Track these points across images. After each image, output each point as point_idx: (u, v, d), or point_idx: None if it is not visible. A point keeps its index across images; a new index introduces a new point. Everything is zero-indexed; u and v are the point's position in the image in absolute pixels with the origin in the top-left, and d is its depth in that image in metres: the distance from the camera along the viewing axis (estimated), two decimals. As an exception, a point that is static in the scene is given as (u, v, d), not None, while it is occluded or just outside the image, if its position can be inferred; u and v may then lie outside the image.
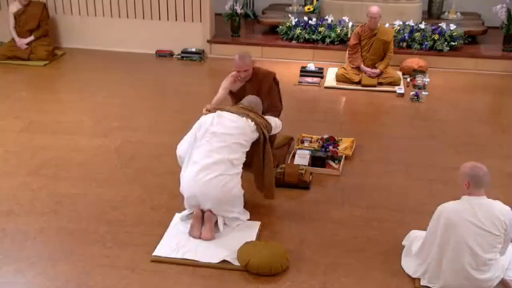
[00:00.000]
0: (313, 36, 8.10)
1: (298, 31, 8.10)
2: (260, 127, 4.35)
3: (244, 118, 4.33)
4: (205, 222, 4.22)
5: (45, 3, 8.20)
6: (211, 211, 4.24)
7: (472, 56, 7.84)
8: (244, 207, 4.43)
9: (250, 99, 4.64)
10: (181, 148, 4.41)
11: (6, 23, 8.05)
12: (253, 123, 4.33)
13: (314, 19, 8.23)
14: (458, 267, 3.60)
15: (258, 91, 4.98)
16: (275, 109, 5.09)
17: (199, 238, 4.18)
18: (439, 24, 8.01)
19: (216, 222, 4.27)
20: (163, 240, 4.18)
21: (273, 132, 4.62)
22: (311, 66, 7.53)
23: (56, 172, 5.14)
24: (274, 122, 4.65)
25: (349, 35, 7.78)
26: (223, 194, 4.18)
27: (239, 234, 4.23)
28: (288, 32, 8.17)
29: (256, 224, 4.38)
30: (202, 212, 4.27)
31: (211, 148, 4.20)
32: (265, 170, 4.42)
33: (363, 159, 5.44)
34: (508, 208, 3.62)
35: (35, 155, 5.43)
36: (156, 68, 7.90)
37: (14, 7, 8.04)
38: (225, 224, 4.30)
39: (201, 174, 4.15)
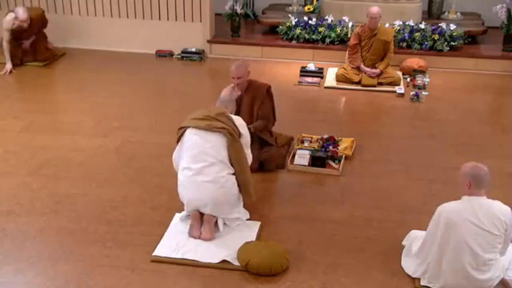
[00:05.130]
0: (313, 36, 8.09)
1: (298, 31, 8.10)
2: (227, 131, 4.20)
3: (217, 134, 4.21)
4: (204, 223, 4.22)
5: (44, 10, 7.99)
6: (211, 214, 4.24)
7: (472, 56, 7.83)
8: (244, 207, 4.43)
9: (221, 99, 4.60)
10: (176, 154, 4.40)
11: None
12: (223, 135, 4.19)
13: (314, 19, 8.23)
14: (458, 267, 3.60)
15: (252, 101, 5.17)
16: (267, 120, 5.20)
17: (199, 238, 4.18)
18: (439, 24, 8.01)
19: (216, 222, 4.27)
20: (163, 240, 4.18)
21: (244, 141, 4.38)
22: (311, 66, 7.53)
23: (56, 172, 5.14)
24: (246, 135, 4.43)
25: (349, 35, 7.78)
26: (221, 196, 4.17)
27: (239, 234, 4.23)
28: (288, 32, 8.17)
29: (256, 224, 4.38)
30: (201, 212, 4.27)
31: (202, 150, 4.16)
32: (237, 169, 4.26)
33: (363, 159, 5.44)
34: (507, 208, 3.62)
35: (35, 155, 5.44)
36: (156, 68, 7.90)
37: (10, 24, 7.39)
38: (225, 224, 4.30)
39: (195, 178, 4.14)
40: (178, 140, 4.34)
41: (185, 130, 4.27)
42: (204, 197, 4.16)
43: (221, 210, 4.24)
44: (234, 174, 4.25)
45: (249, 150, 4.43)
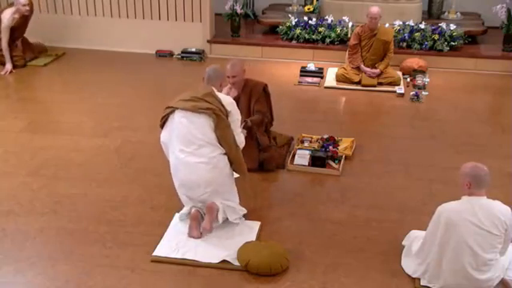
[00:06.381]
0: (313, 36, 8.10)
1: (298, 31, 8.10)
2: (213, 111, 4.15)
3: (203, 116, 4.16)
4: (206, 213, 4.21)
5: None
6: (212, 203, 4.22)
7: (472, 56, 7.84)
8: (244, 207, 4.43)
9: (209, 73, 4.45)
10: (164, 137, 4.34)
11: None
12: (208, 116, 4.15)
13: (314, 19, 8.23)
14: (458, 267, 3.60)
15: (249, 100, 5.19)
16: (262, 114, 5.20)
17: (199, 238, 4.18)
18: (439, 24, 8.02)
19: (216, 215, 4.24)
20: (163, 240, 4.19)
21: (232, 119, 4.30)
22: (311, 66, 7.53)
23: (56, 172, 5.14)
24: (235, 112, 4.35)
25: (349, 35, 7.78)
26: (215, 177, 4.15)
27: (239, 234, 4.24)
28: (288, 32, 8.17)
29: (256, 224, 4.38)
30: (199, 212, 4.28)
31: (189, 131, 4.13)
32: (226, 148, 4.23)
33: (363, 159, 5.44)
34: (507, 208, 3.62)
35: (35, 155, 5.43)
36: (156, 68, 7.90)
37: (10, 20, 7.42)
38: (226, 219, 4.28)
39: (189, 159, 4.12)
40: (163, 119, 4.29)
41: (172, 111, 4.23)
42: (198, 178, 4.13)
43: (216, 191, 4.20)
44: (225, 154, 4.23)
45: (239, 129, 4.38)
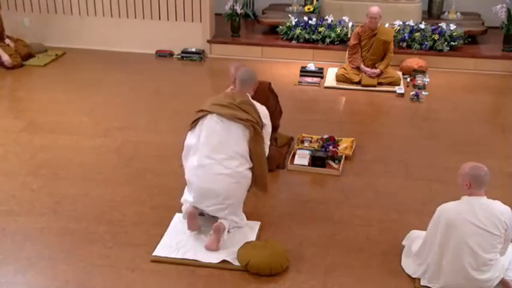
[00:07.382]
0: (313, 36, 8.10)
1: (298, 31, 8.10)
2: (251, 124, 4.13)
3: (240, 126, 4.11)
4: (213, 233, 4.13)
5: None
6: (217, 219, 4.19)
7: (472, 56, 7.84)
8: (244, 207, 4.41)
9: (243, 77, 4.33)
10: (191, 139, 4.25)
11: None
12: (245, 127, 4.12)
13: (314, 19, 8.23)
14: (458, 267, 3.60)
15: (255, 101, 5.10)
16: (274, 117, 5.15)
17: (198, 229, 4.18)
18: (439, 24, 8.02)
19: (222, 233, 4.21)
20: (163, 240, 4.19)
21: (265, 131, 4.31)
22: (311, 66, 7.53)
23: (56, 172, 5.14)
24: (269, 125, 4.36)
25: (349, 35, 7.78)
26: (234, 190, 4.10)
27: (239, 235, 4.23)
28: (288, 32, 8.17)
29: (256, 224, 4.38)
30: (196, 208, 4.21)
31: (222, 141, 4.07)
32: (255, 162, 4.23)
33: (363, 159, 5.44)
34: (507, 208, 3.62)
35: (35, 155, 5.44)
36: (156, 68, 7.90)
37: None
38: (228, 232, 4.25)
39: (213, 168, 4.05)
40: (195, 122, 4.21)
41: (206, 115, 4.14)
42: (219, 189, 4.06)
43: (229, 207, 4.15)
44: (250, 168, 4.18)
45: (269, 141, 4.35)
